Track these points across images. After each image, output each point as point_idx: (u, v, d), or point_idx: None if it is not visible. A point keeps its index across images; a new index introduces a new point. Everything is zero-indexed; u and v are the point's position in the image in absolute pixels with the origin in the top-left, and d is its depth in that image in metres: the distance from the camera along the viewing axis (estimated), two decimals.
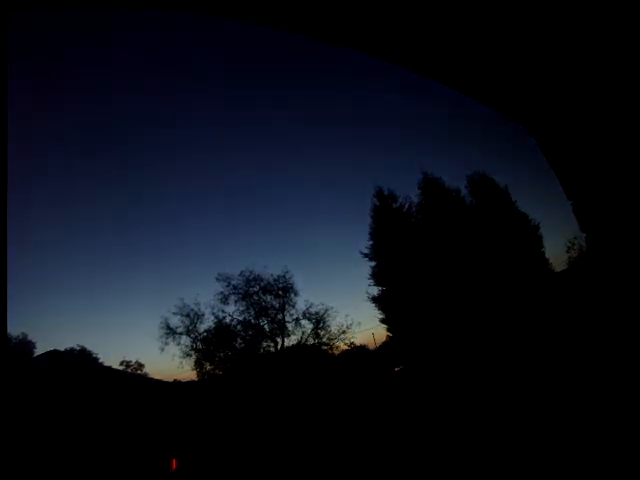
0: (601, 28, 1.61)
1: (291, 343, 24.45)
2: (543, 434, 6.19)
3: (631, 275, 1.75)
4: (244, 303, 24.44)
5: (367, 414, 13.88)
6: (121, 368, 29.70)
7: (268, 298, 24.74)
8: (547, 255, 23.95)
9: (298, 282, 26.11)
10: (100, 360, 29.83)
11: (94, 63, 42.11)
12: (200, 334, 24.09)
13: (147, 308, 51.00)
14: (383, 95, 47.66)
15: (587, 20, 1.62)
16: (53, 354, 16.96)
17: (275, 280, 24.88)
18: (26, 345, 28.28)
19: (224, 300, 24.31)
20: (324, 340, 24.52)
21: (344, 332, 24.35)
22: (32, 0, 1.52)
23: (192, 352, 23.82)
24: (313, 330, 24.51)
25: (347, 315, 46.45)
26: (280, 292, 24.86)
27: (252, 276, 24.61)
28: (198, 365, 23.88)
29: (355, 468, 7.63)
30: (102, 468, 11.64)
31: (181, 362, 24.03)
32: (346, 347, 24.81)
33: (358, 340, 26.96)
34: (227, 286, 24.35)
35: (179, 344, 23.80)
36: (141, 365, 33.04)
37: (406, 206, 24.37)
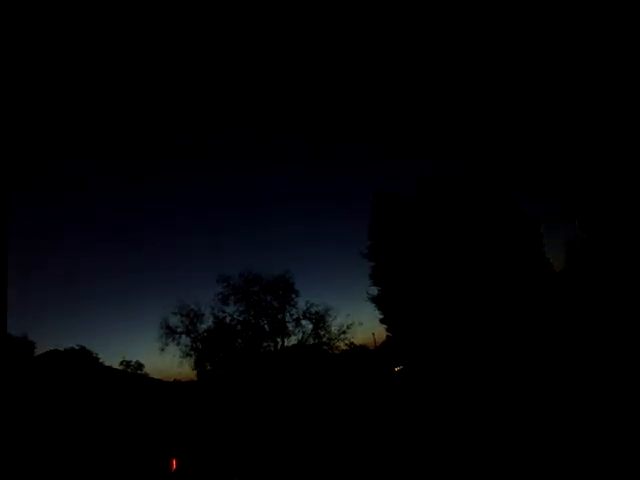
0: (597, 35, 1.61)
1: (291, 343, 24.43)
2: (543, 433, 6.19)
3: (630, 274, 1.75)
4: (244, 303, 24.40)
5: (367, 414, 13.89)
6: (121, 368, 29.60)
7: (268, 298, 24.68)
8: (547, 255, 23.82)
9: (299, 282, 26.13)
10: (100, 360, 29.76)
11: None
12: (200, 334, 24.06)
13: (147, 308, 51.05)
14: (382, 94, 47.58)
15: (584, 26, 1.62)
16: (53, 354, 16.94)
17: (275, 280, 24.84)
18: (26, 345, 28.19)
19: (224, 300, 24.30)
20: (324, 340, 24.48)
21: (344, 332, 24.31)
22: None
23: (192, 352, 23.80)
24: (313, 330, 24.44)
25: (348, 315, 46.15)
26: (280, 292, 24.79)
27: (252, 276, 24.60)
28: (198, 365, 23.86)
29: (355, 468, 7.63)
30: (102, 468, 11.65)
31: (181, 362, 23.99)
32: (346, 347, 24.79)
33: (358, 340, 26.92)
34: (227, 287, 24.35)
35: (179, 344, 23.80)
36: (141, 365, 32.91)
37: (405, 205, 24.30)
